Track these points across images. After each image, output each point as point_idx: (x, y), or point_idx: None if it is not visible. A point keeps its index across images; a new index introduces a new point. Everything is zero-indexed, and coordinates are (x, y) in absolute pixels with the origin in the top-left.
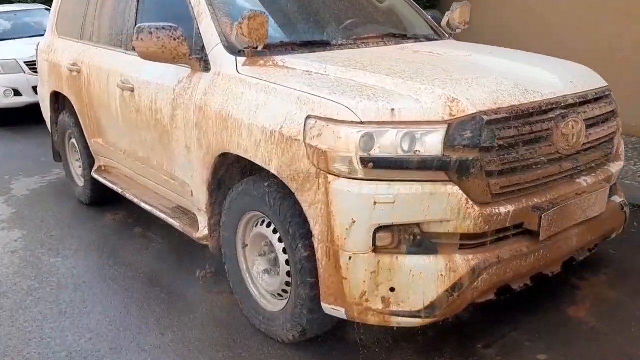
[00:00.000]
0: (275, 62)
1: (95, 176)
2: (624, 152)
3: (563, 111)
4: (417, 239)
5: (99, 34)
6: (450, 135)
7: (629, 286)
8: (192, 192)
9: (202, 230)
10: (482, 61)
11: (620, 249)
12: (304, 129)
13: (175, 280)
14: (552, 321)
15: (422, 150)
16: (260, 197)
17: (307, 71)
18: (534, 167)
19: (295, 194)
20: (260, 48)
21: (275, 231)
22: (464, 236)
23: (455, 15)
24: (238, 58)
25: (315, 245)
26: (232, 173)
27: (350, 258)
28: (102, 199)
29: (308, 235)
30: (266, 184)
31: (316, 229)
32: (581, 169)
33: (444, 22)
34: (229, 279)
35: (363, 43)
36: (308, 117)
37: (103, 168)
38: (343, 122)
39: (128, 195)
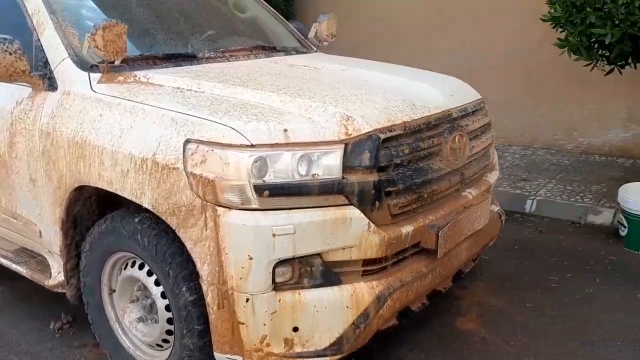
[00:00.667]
0: (138, 78)
1: None
2: (497, 162)
3: (449, 125)
4: (320, 270)
5: None
6: (348, 155)
7: (506, 292)
8: (40, 232)
9: (56, 276)
10: (363, 76)
11: (490, 254)
12: (184, 155)
13: (24, 335)
14: (445, 337)
15: (320, 174)
16: (129, 235)
17: (178, 88)
18: (428, 183)
19: (176, 231)
20: (117, 62)
21: (150, 273)
22: (366, 262)
23: (322, 27)
24: (91, 74)
25: (204, 288)
26: (90, 208)
27: (247, 300)
28: None
29: (193, 276)
30: (137, 220)
31: (204, 269)
32: (466, 182)
33: (311, 34)
34: (93, 331)
35: (232, 56)
36: (187, 141)
37: None
38: (230, 145)
39: None
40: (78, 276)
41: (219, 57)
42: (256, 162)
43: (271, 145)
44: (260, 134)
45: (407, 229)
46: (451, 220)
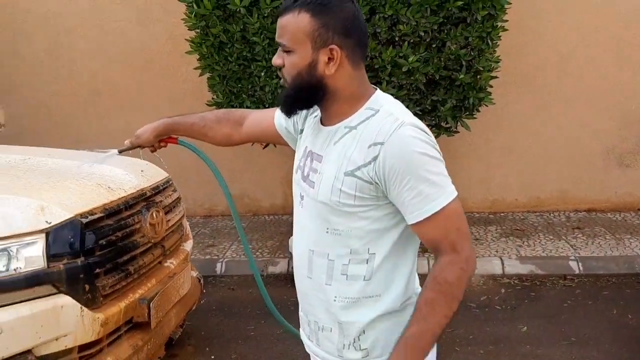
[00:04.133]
0: None
1: None
2: (190, 231)
3: (145, 203)
4: None
5: None
6: (50, 244)
7: (214, 350)
8: None
9: None
10: (48, 164)
11: (193, 318)
12: None
13: None
14: None
15: (23, 267)
16: None
17: None
18: (134, 259)
19: None
20: None
21: None
22: (82, 347)
23: None
24: None
25: None
26: None
27: None
28: None
29: None
30: None
31: None
32: (167, 253)
33: None
34: None
35: None
36: None
37: None
38: None
39: None
40: None
41: None
42: None
43: None
44: None
45: (119, 306)
46: (159, 290)
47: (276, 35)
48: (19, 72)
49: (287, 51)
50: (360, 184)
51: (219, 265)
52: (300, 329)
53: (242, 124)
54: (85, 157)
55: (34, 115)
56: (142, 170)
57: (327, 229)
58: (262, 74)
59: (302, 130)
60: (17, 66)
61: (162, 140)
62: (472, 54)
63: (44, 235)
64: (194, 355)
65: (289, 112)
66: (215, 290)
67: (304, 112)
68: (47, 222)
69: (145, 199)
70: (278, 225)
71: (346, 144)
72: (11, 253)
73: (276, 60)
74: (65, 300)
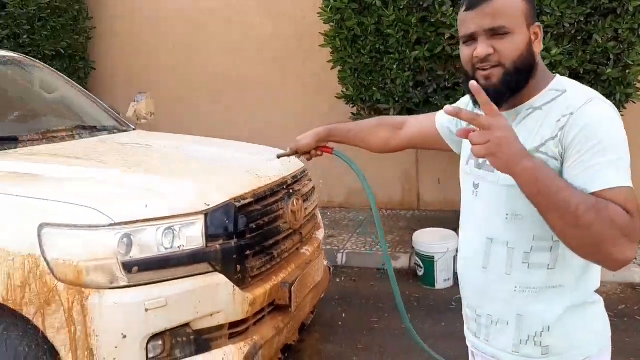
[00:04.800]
0: None
1: None
2: (321, 221)
3: (286, 191)
4: (190, 340)
5: None
6: (208, 225)
7: (339, 338)
8: None
9: None
10: (198, 151)
11: (318, 305)
12: (40, 241)
13: None
14: None
15: (185, 244)
16: None
17: (14, 172)
18: (278, 244)
19: (33, 321)
20: None
21: None
22: (232, 325)
23: (141, 106)
24: None
25: None
26: None
27: None
28: None
29: None
30: None
31: (70, 356)
32: (304, 240)
33: (129, 113)
34: None
35: (54, 137)
36: (43, 225)
37: None
38: (92, 225)
39: None
40: None
41: (41, 139)
42: (122, 239)
43: (134, 222)
44: (122, 211)
45: (265, 288)
46: (299, 275)
47: (482, 23)
48: (156, 67)
49: (503, 34)
50: (544, 161)
51: (339, 255)
52: (465, 327)
53: (401, 128)
54: (231, 146)
55: (169, 107)
56: (281, 160)
57: (507, 215)
58: (394, 66)
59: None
60: (155, 61)
61: (319, 148)
62: (622, 47)
63: (203, 216)
64: (320, 342)
65: (502, 98)
66: (336, 280)
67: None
68: (206, 204)
69: (286, 187)
70: (396, 220)
71: (530, 124)
72: (175, 232)
73: (485, 49)
74: (220, 278)
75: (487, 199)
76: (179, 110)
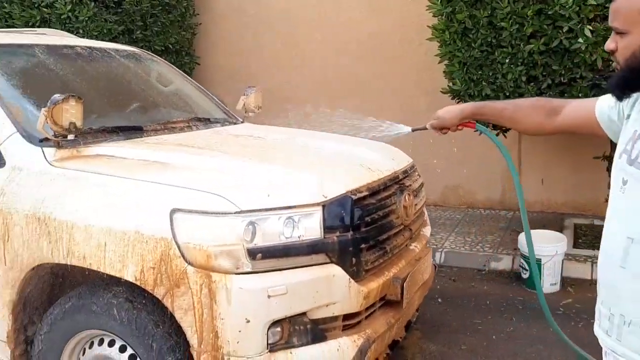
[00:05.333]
0: (96, 152)
1: None
2: (428, 218)
3: (398, 186)
4: (307, 328)
5: None
6: (326, 216)
7: (441, 337)
8: None
9: None
10: (311, 143)
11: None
12: (172, 225)
13: None
14: None
15: (304, 234)
16: (102, 311)
17: (145, 160)
18: (390, 239)
19: (163, 301)
20: (71, 137)
21: (123, 349)
22: (345, 317)
23: (250, 100)
24: (45, 149)
25: (196, 358)
26: (41, 288)
27: None
28: None
29: (178, 346)
30: (110, 294)
31: (196, 337)
32: (413, 237)
33: (239, 106)
34: None
35: (174, 128)
36: (175, 210)
37: None
38: (220, 212)
39: None
40: None
41: (162, 129)
42: (248, 226)
43: (259, 210)
44: (247, 199)
45: (377, 282)
46: (409, 272)
47: (609, 19)
48: (258, 61)
49: (621, 33)
50: None
51: (437, 254)
52: (595, 324)
53: (559, 113)
54: (340, 139)
55: (271, 102)
56: (391, 154)
57: None
58: (507, 60)
59: (628, 116)
60: (258, 55)
61: (461, 123)
62: None
63: (321, 207)
64: (422, 340)
65: (621, 95)
66: (435, 279)
67: (634, 96)
68: (324, 196)
69: (397, 182)
70: (496, 220)
71: None
72: (296, 221)
73: (609, 44)
74: (336, 270)
75: (633, 197)
76: (281, 106)
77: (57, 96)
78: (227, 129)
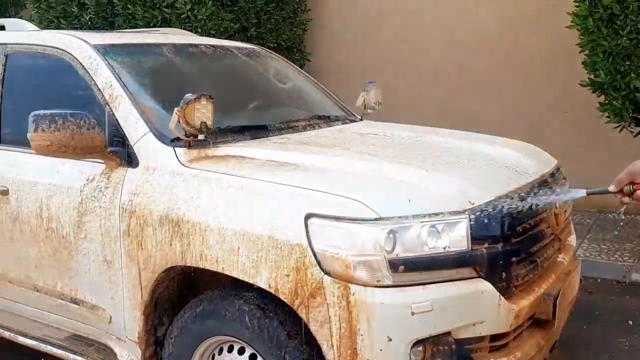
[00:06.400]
0: (227, 152)
1: None
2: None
3: (548, 190)
4: (452, 349)
5: None
6: (473, 225)
7: (586, 357)
8: (110, 317)
9: None
10: (442, 143)
11: None
12: (307, 231)
13: None
14: None
15: (449, 245)
16: (234, 317)
17: (274, 161)
18: (541, 250)
19: (298, 311)
20: (201, 136)
21: (253, 357)
22: (493, 337)
23: (370, 96)
24: (177, 149)
25: None
26: (171, 290)
27: None
28: None
29: None
30: (241, 301)
31: (331, 353)
32: (561, 247)
33: (358, 103)
34: None
35: (297, 126)
36: (310, 215)
37: None
38: (359, 219)
39: None
40: None
41: (286, 127)
42: (389, 235)
43: (399, 217)
44: (387, 205)
45: (528, 299)
46: (561, 287)
47: None
48: (370, 58)
49: None
50: None
51: None
52: None
53: None
54: (473, 138)
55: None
56: (535, 155)
57: None
58: None
59: None
60: (369, 52)
61: None
62: None
63: (467, 215)
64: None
65: None
66: None
67: None
68: (470, 202)
69: (546, 186)
70: (633, 226)
71: None
72: (440, 230)
73: None
74: (485, 285)
75: None
76: (394, 101)
77: (189, 95)
78: (349, 127)
